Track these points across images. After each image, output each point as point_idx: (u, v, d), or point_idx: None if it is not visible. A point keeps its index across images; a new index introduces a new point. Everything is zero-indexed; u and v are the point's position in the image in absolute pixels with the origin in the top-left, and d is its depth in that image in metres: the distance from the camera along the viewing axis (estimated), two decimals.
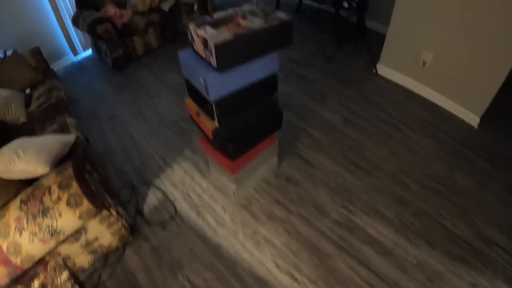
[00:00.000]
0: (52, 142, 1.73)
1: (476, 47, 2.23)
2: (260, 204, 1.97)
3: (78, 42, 3.68)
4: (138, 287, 1.69)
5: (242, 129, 1.64)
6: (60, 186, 1.40)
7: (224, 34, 1.17)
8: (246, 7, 1.45)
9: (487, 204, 1.98)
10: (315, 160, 2.20)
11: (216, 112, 1.38)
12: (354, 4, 3.04)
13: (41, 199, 1.37)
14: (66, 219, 1.38)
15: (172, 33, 3.67)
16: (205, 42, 1.17)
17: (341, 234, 1.81)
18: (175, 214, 1.98)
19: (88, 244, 1.63)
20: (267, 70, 1.48)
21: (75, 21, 3.17)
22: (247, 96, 1.49)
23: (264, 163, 2.01)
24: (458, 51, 2.34)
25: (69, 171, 1.46)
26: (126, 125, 2.63)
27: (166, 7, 3.45)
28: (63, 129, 2.03)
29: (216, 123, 1.46)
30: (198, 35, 1.20)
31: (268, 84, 1.56)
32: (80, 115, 2.78)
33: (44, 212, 1.35)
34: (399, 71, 2.85)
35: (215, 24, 1.25)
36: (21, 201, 1.39)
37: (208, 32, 1.18)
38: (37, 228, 1.34)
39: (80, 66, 3.60)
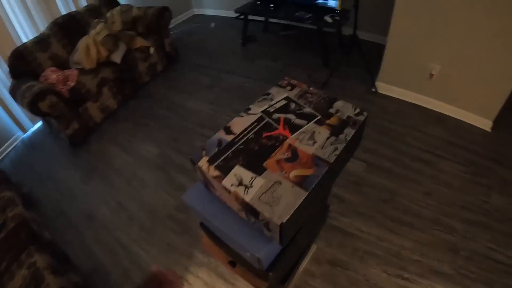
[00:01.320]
0: None
1: (485, 52, 2.03)
2: None
3: (23, 116, 3.00)
4: None
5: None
6: None
7: (283, 188, 0.69)
8: (286, 104, 0.94)
9: None
10: (353, 228, 1.84)
11: (271, 276, 0.97)
12: (337, 17, 2.72)
13: None
14: None
15: (131, 87, 3.12)
16: (252, 211, 0.70)
17: None
18: None
19: None
20: None
21: (13, 96, 2.52)
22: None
23: (305, 255, 1.64)
24: (466, 59, 2.13)
25: None
26: (110, 229, 2.06)
27: (117, 58, 2.88)
28: (36, 278, 1.50)
29: (268, 283, 1.05)
30: (229, 192, 0.72)
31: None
32: (49, 223, 2.19)
33: None
34: (402, 87, 2.58)
35: (249, 153, 0.77)
36: None
37: (252, 185, 0.70)
38: None
39: (32, 145, 2.93)
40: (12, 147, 2.94)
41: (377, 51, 2.70)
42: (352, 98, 2.67)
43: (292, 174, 0.72)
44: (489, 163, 2.10)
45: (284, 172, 0.72)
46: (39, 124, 3.14)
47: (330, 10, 2.93)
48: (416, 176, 2.06)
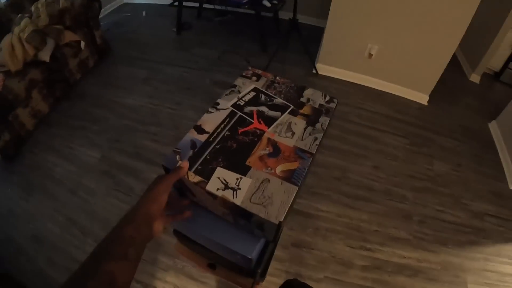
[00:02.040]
0: None
1: (422, 31, 2.20)
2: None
3: None
4: None
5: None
6: None
7: (273, 186, 0.64)
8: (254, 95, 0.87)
9: (467, 181, 2.04)
10: (312, 209, 1.90)
11: (259, 273, 0.94)
12: (275, 1, 2.69)
13: None
14: None
15: (62, 87, 2.77)
16: (243, 214, 0.64)
17: (373, 277, 1.64)
18: None
19: None
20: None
21: None
22: None
23: None
24: (403, 39, 2.29)
25: None
26: (62, 248, 1.84)
27: (46, 56, 2.51)
28: None
29: (253, 280, 1.03)
30: (215, 197, 0.65)
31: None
32: None
33: None
34: (342, 68, 2.69)
35: (229, 153, 0.71)
36: None
37: (240, 187, 0.64)
38: None
39: None
40: None
41: (316, 34, 2.78)
42: (293, 81, 2.72)
43: (278, 169, 0.68)
44: (428, 133, 2.33)
45: (269, 168, 0.68)
46: None
47: None
48: (364, 151, 2.20)
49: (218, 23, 3.63)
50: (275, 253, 1.71)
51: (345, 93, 2.64)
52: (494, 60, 2.90)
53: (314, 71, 2.80)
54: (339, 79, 2.75)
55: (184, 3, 3.27)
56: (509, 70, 2.95)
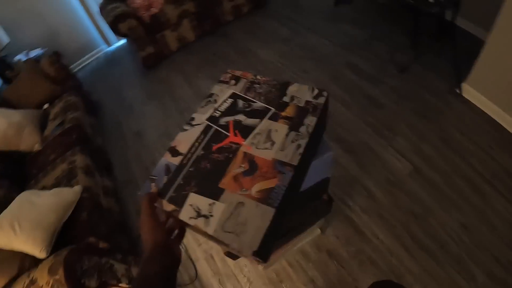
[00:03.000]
0: (51, 211, 1.42)
1: None
2: (292, 283, 1.58)
3: (110, 32, 3.25)
4: None
5: (286, 228, 1.20)
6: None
7: (247, 210, 0.58)
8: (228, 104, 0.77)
9: None
10: (368, 230, 1.69)
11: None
12: None
13: None
14: None
15: (211, 24, 3.08)
16: (219, 242, 0.60)
17: None
18: (196, 277, 1.67)
19: None
20: (320, 175, 0.99)
21: (101, 12, 2.72)
22: (300, 200, 1.03)
23: (305, 238, 1.58)
24: None
25: (60, 274, 1.16)
26: (152, 150, 2.25)
27: None
28: (71, 173, 1.71)
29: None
30: (188, 225, 0.62)
31: (320, 188, 1.08)
32: (104, 128, 2.46)
33: None
34: (490, 99, 2.07)
35: (201, 175, 0.64)
36: None
37: (212, 214, 0.59)
38: None
39: (112, 58, 3.21)
40: (95, 57, 3.26)
41: (475, 47, 2.16)
42: (429, 93, 2.28)
43: (254, 189, 0.59)
44: None
45: (244, 189, 0.59)
46: (123, 41, 3.36)
47: None
48: (462, 202, 1.75)
49: (379, 5, 3.25)
50: (305, 247, 1.64)
51: (479, 129, 2.06)
52: None
53: (457, 90, 2.26)
54: (481, 109, 2.15)
55: None
56: None
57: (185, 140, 0.71)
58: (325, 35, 2.98)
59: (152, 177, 0.65)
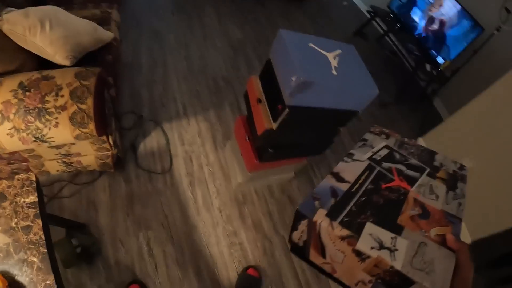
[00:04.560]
0: (86, 31, 1.37)
1: None
2: (254, 209, 1.72)
3: None
4: (93, 221, 1.46)
5: (290, 142, 1.36)
6: (72, 94, 1.08)
7: (431, 251, 0.59)
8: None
9: None
10: None
11: (283, 117, 1.09)
12: (434, 73, 2.74)
13: (44, 96, 1.06)
14: (61, 133, 1.08)
15: None
16: (402, 279, 0.57)
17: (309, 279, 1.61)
18: (169, 170, 1.71)
19: (67, 155, 1.33)
20: (352, 105, 1.20)
21: None
22: (318, 117, 1.21)
23: (280, 173, 1.75)
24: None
25: (91, 81, 1.13)
26: (165, 51, 2.24)
27: None
28: (104, 21, 1.65)
29: (274, 125, 1.17)
30: (366, 257, 0.56)
31: (343, 118, 1.28)
32: (125, 14, 2.36)
33: (41, 113, 1.04)
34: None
35: (376, 207, 0.64)
36: (20, 85, 1.06)
37: (397, 247, 0.57)
38: (23, 125, 1.03)
39: None
40: None
41: (437, 120, 2.76)
42: (394, 130, 2.75)
43: (432, 233, 0.59)
44: None
45: (423, 230, 0.59)
46: None
47: (434, 63, 2.94)
48: None
49: (384, 53, 3.74)
50: (271, 184, 1.80)
51: None
52: None
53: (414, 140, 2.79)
54: None
55: (378, 20, 3.45)
56: None
57: (348, 170, 0.71)
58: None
59: (315, 195, 0.61)
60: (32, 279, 0.80)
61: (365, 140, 0.82)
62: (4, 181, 0.89)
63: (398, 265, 0.51)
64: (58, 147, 1.25)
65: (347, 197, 0.62)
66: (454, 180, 0.74)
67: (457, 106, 2.46)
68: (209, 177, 1.74)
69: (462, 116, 2.40)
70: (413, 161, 0.78)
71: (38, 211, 0.86)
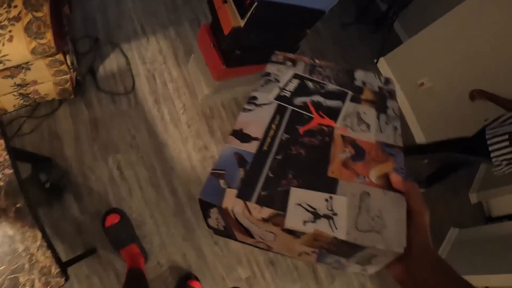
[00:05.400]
0: None
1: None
2: (222, 122, 1.72)
3: None
4: (59, 153, 1.39)
5: (257, 43, 1.32)
6: (26, 3, 0.98)
7: (376, 200, 0.47)
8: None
9: None
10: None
11: (252, 11, 1.02)
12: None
13: None
14: (15, 48, 0.99)
15: None
16: (350, 248, 0.46)
17: None
18: (132, 90, 1.65)
19: (23, 85, 1.24)
20: (319, 3, 1.19)
21: None
22: (285, 15, 1.18)
23: (248, 84, 1.71)
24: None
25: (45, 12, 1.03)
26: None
27: None
28: None
29: (242, 22, 1.10)
30: (301, 234, 0.43)
31: (310, 18, 1.27)
32: None
33: None
34: (395, 77, 2.72)
35: (298, 164, 0.50)
36: None
37: (335, 211, 0.44)
38: None
39: None
40: None
41: (396, 42, 2.82)
42: (354, 51, 2.79)
43: (373, 175, 0.48)
44: None
45: (361, 176, 0.48)
46: None
47: None
48: None
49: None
50: (237, 97, 1.69)
51: None
52: None
53: (375, 60, 2.89)
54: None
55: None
56: None
57: (253, 122, 0.54)
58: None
59: (216, 171, 0.46)
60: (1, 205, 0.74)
61: (268, 74, 0.65)
62: None
63: (341, 234, 0.40)
64: (12, 75, 1.15)
65: (259, 161, 0.48)
66: (383, 99, 0.62)
67: (416, 30, 2.54)
68: (174, 93, 1.70)
69: (423, 38, 2.49)
70: (331, 86, 0.64)
71: None
